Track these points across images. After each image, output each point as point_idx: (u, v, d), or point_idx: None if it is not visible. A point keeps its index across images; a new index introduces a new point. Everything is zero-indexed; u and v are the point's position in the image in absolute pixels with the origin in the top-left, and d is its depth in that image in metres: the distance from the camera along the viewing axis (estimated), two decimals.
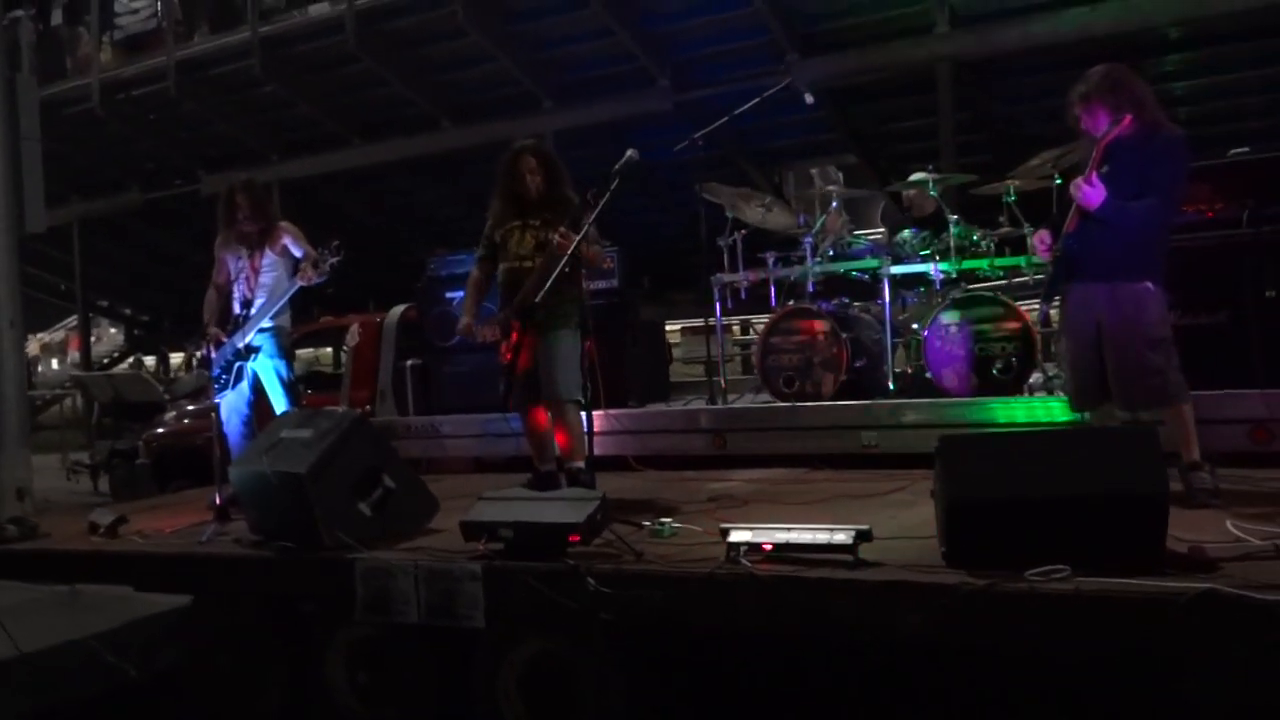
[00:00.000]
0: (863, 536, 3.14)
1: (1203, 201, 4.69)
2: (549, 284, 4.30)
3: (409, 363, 6.93)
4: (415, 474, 4.57)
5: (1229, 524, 3.26)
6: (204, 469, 6.71)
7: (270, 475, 4.02)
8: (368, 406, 6.80)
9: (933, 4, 9.58)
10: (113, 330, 22.61)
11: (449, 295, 6.77)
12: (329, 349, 13.24)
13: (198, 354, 5.86)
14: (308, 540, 3.94)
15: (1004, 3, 9.53)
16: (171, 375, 19.76)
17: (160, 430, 8.44)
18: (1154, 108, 3.89)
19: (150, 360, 22.17)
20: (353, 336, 6.69)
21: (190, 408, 8.37)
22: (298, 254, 5.31)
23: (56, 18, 14.97)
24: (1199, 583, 2.62)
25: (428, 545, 3.90)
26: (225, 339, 5.30)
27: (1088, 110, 3.89)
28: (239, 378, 5.29)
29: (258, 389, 5.38)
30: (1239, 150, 4.99)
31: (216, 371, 5.30)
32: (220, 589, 4.30)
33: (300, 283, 5.17)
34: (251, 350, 5.25)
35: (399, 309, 7.34)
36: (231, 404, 5.32)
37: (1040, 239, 4.16)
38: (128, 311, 21.17)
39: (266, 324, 5.28)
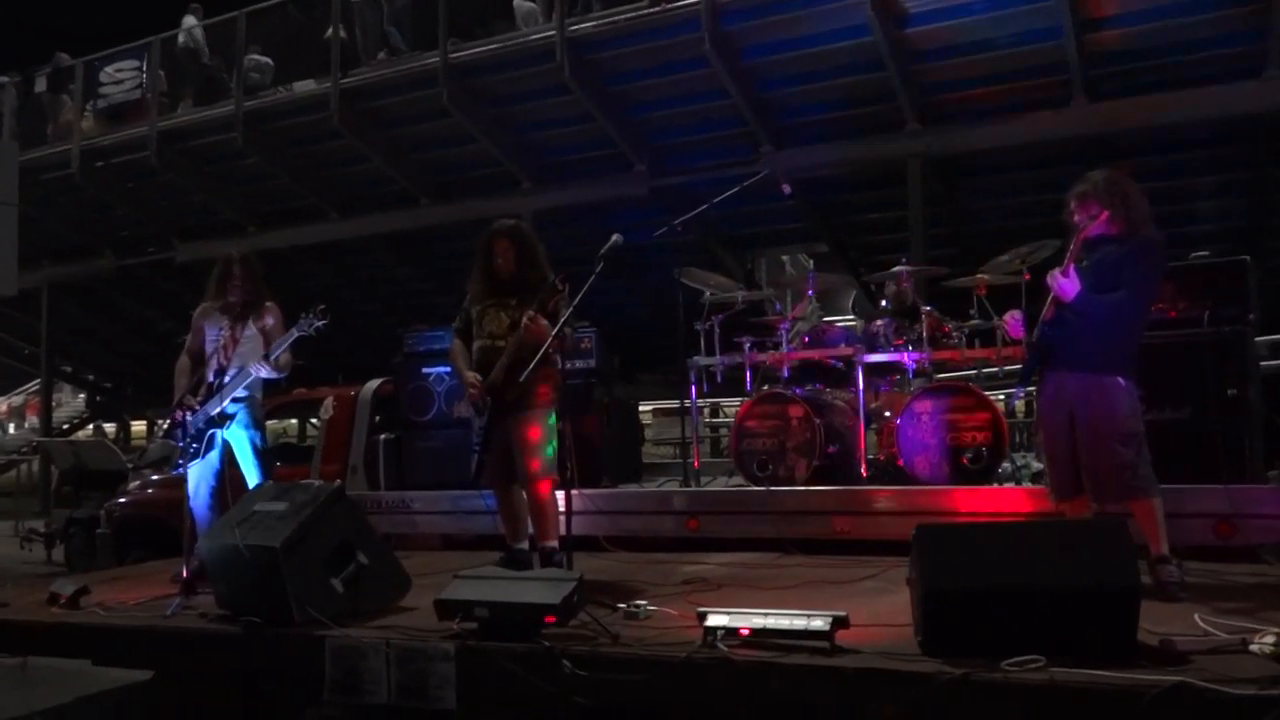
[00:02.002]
0: (839, 623, 3.15)
1: (1166, 301, 4.84)
2: (530, 365, 4.36)
3: (382, 437, 6.90)
4: (389, 550, 4.53)
5: (1197, 618, 3.32)
6: (166, 540, 6.62)
7: (243, 548, 3.96)
8: (338, 480, 6.74)
9: (903, 103, 9.91)
10: (80, 396, 22.26)
11: (425, 370, 6.80)
12: (294, 421, 13.13)
13: (164, 422, 5.80)
14: (277, 616, 3.87)
15: (973, 104, 9.89)
16: (132, 443, 19.46)
17: (123, 499, 8.28)
18: (1143, 215, 4.03)
19: (111, 427, 21.84)
20: (327, 409, 6.65)
21: (155, 477, 8.24)
22: (270, 338, 5.34)
23: (40, 85, 15.07)
24: (1170, 675, 2.67)
25: (400, 624, 3.85)
26: (198, 407, 5.27)
27: (1084, 208, 4.04)
28: (209, 447, 5.24)
29: (227, 459, 5.34)
30: (1199, 253, 5.18)
31: (185, 440, 5.25)
32: (184, 665, 4.20)
33: (263, 374, 5.21)
34: (225, 418, 5.22)
35: (374, 383, 7.32)
36: (200, 474, 5.25)
37: (1012, 317, 4.27)
38: (91, 377, 20.91)
39: (241, 394, 5.26)
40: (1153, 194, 9.91)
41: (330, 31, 12.18)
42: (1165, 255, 4.09)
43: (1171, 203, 10.15)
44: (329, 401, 6.73)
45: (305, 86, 12.53)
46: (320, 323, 5.08)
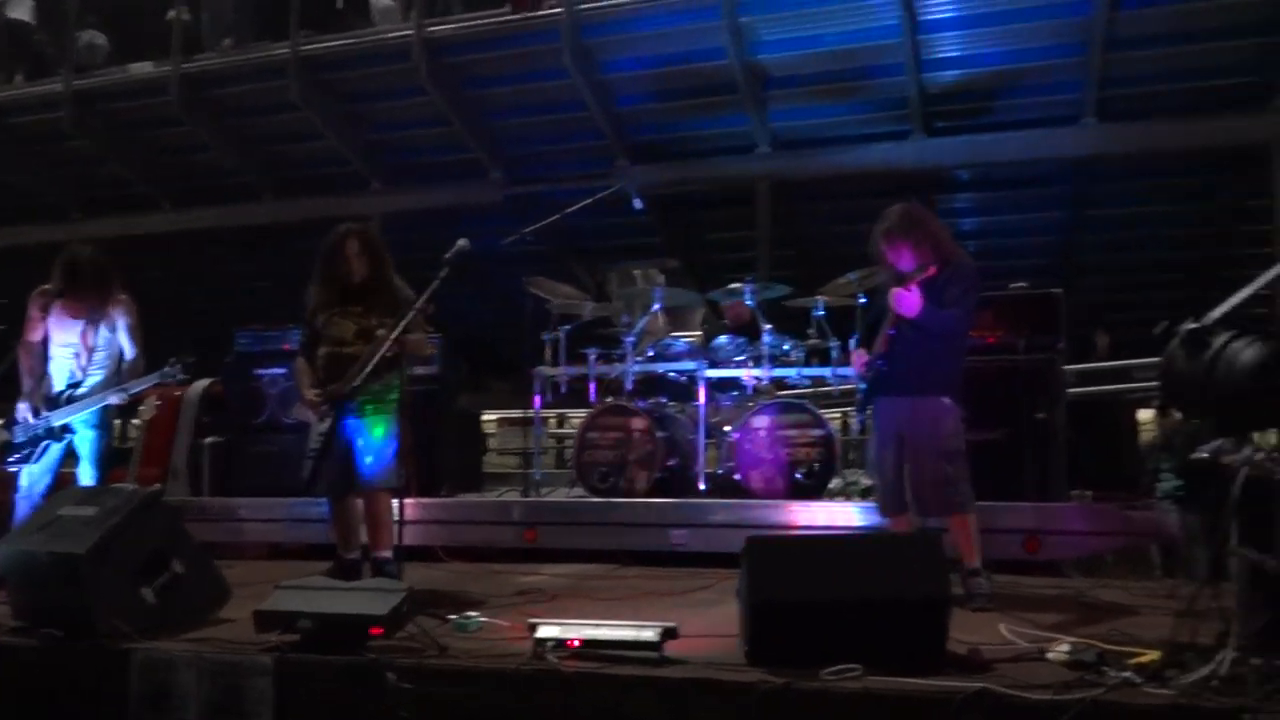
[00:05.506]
0: (669, 634, 3.19)
1: (985, 328, 5.13)
2: (369, 373, 4.26)
3: (208, 440, 6.58)
4: (208, 559, 4.31)
5: (1002, 627, 3.52)
6: None
7: (42, 555, 3.70)
8: (158, 485, 6.38)
9: (755, 126, 10.18)
10: None
11: (258, 371, 6.53)
12: (115, 421, 12.38)
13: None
14: (79, 628, 3.64)
15: (820, 132, 10.26)
16: None
17: None
18: (949, 242, 4.28)
19: None
20: (148, 409, 6.30)
21: None
22: (130, 354, 5.12)
23: None
24: (974, 682, 2.81)
25: (216, 636, 3.68)
26: (35, 415, 4.96)
27: (891, 246, 4.23)
28: (42, 454, 4.98)
29: (66, 459, 5.09)
30: (1018, 284, 5.51)
31: (20, 439, 4.95)
32: None
33: (115, 401, 5.02)
34: (68, 431, 4.98)
35: (202, 383, 6.96)
36: (35, 476, 5.00)
37: (859, 356, 4.44)
38: None
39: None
40: (980, 228, 10.54)
41: (173, 12, 11.57)
42: (979, 280, 4.32)
43: (996, 236, 10.80)
44: (151, 400, 6.37)
45: (143, 69, 11.86)
46: (183, 376, 5.05)
